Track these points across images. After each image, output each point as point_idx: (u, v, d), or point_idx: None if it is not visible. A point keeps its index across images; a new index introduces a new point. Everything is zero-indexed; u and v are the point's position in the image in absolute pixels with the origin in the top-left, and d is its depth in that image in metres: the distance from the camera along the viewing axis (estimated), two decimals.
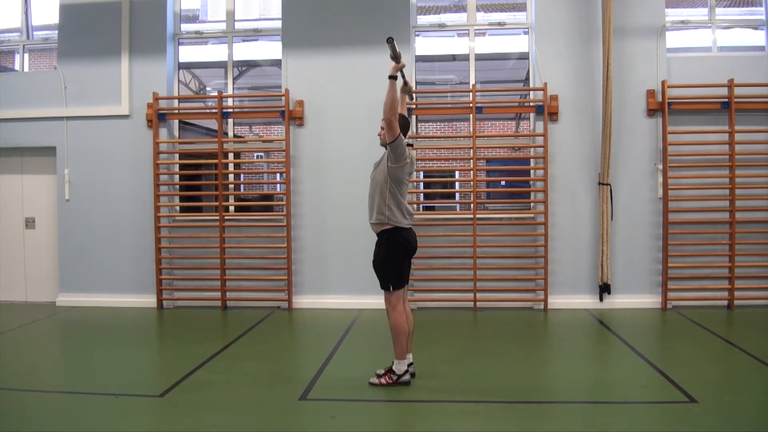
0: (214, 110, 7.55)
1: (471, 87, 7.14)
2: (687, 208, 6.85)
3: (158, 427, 3.77)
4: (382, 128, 4.19)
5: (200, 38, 7.87)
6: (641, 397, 4.09)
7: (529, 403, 4.03)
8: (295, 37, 7.30)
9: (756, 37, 7.32)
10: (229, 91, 7.73)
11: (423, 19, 7.63)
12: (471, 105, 7.05)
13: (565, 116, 7.00)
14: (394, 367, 4.31)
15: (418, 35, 7.48)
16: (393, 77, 4.08)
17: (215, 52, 8.14)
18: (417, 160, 7.48)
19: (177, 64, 7.75)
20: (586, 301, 6.97)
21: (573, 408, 3.97)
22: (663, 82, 6.80)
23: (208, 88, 9.16)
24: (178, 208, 7.65)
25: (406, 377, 4.31)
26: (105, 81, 7.48)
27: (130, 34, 7.45)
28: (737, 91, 6.70)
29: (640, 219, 6.94)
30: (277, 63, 7.61)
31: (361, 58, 7.13)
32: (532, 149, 7.32)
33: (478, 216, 6.96)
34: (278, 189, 7.72)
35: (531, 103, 7.25)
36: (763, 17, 7.20)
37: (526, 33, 7.40)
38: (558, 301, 6.95)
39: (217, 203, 7.24)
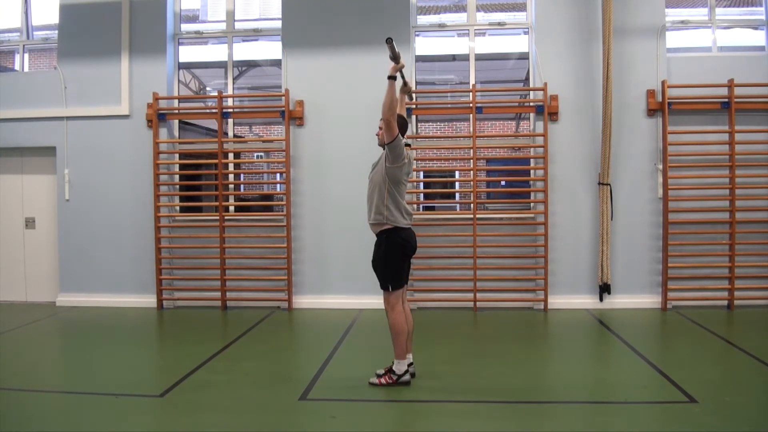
0: (214, 110, 7.55)
1: (471, 87, 7.14)
2: (687, 208, 6.84)
3: (158, 427, 3.77)
4: (380, 128, 4.21)
5: (200, 38, 7.87)
6: (641, 397, 4.09)
7: (529, 403, 4.03)
8: (295, 37, 7.30)
9: (756, 37, 7.32)
10: (229, 91, 7.74)
11: (423, 19, 7.63)
12: (471, 105, 7.05)
13: (565, 116, 7.00)
14: (394, 367, 4.32)
15: (418, 35, 7.48)
16: (392, 78, 4.08)
17: (215, 52, 8.14)
18: (417, 160, 7.52)
19: (177, 64, 7.75)
20: (586, 301, 6.97)
21: (573, 408, 3.97)
22: (663, 82, 6.80)
23: (208, 88, 9.16)
24: (178, 208, 7.65)
25: (406, 377, 4.31)
26: (105, 81, 7.48)
27: (130, 34, 7.45)
28: (737, 91, 6.70)
29: (640, 219, 6.94)
30: (277, 63, 7.61)
31: (361, 58, 7.13)
32: (532, 149, 7.32)
33: (478, 216, 6.96)
34: (278, 189, 7.72)
35: (531, 103, 7.25)
36: (763, 17, 7.20)
37: (526, 33, 7.40)
38: (558, 301, 6.95)
39: (217, 203, 7.24)
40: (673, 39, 7.15)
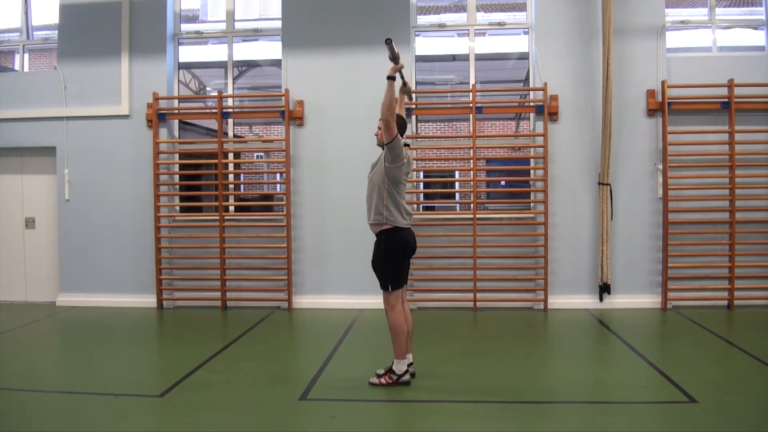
0: (214, 110, 7.55)
1: (471, 87, 7.14)
2: (687, 208, 6.84)
3: (158, 427, 3.77)
4: (379, 128, 4.21)
5: (200, 38, 7.87)
6: (641, 397, 4.09)
7: (529, 403, 4.03)
8: (295, 37, 7.30)
9: (756, 37, 7.32)
10: (229, 91, 7.74)
11: (423, 19, 7.63)
12: (471, 105, 7.05)
13: (565, 116, 7.00)
14: (394, 367, 4.32)
15: (418, 35, 7.48)
16: (391, 78, 4.09)
17: (215, 52, 8.14)
18: (417, 160, 7.52)
19: (177, 64, 7.75)
20: (586, 301, 6.97)
21: (573, 408, 3.97)
22: (663, 82, 6.80)
23: (208, 88, 9.16)
24: (178, 208, 7.65)
25: (406, 377, 4.31)
26: (105, 81, 7.48)
27: (130, 34, 7.45)
28: (737, 91, 6.70)
29: (640, 219, 6.94)
30: (277, 63, 7.61)
31: (361, 58, 7.13)
32: (532, 149, 7.32)
33: (478, 216, 6.96)
34: (278, 189, 7.72)
35: (531, 103, 7.25)
36: (763, 17, 7.20)
37: (526, 33, 7.40)
38: (558, 301, 6.94)
39: (217, 203, 7.24)
40: (673, 39, 7.15)
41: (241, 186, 8.92)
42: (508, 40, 7.97)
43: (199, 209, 8.10)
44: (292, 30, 7.31)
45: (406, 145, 4.39)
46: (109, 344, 5.75)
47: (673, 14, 7.22)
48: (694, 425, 3.57)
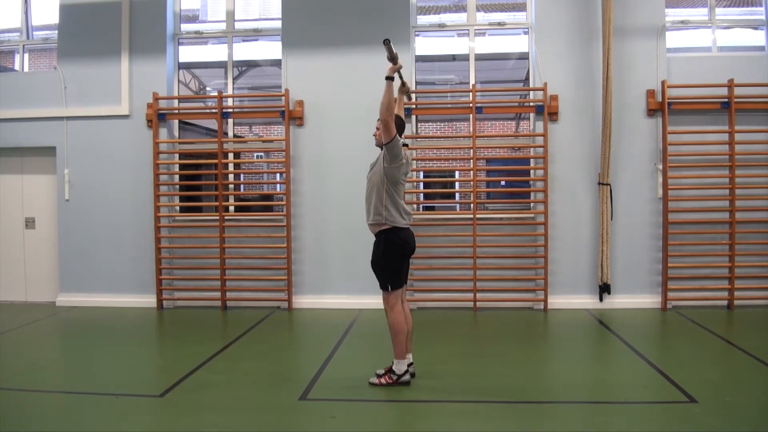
0: (214, 110, 7.55)
1: (471, 87, 7.14)
2: (687, 208, 6.84)
3: (158, 427, 3.77)
4: (378, 129, 4.21)
5: (200, 38, 7.87)
6: (641, 397, 4.10)
7: (529, 403, 4.03)
8: (295, 37, 7.30)
9: (756, 37, 7.32)
10: (229, 91, 7.74)
11: (423, 19, 7.63)
12: (471, 105, 7.05)
13: (565, 116, 7.00)
14: (394, 367, 4.32)
15: (417, 35, 7.48)
16: (390, 78, 4.09)
17: (215, 52, 8.14)
18: (417, 160, 7.53)
19: (177, 64, 7.75)
20: (586, 301, 6.97)
21: (573, 408, 3.97)
22: (663, 82, 6.80)
23: (208, 88, 9.16)
24: (178, 208, 7.65)
25: (406, 377, 4.31)
26: (105, 81, 7.48)
27: (130, 34, 7.45)
28: (737, 91, 6.70)
29: (640, 219, 6.94)
30: (277, 63, 7.61)
31: (361, 58, 7.13)
32: (532, 149, 7.31)
33: (478, 216, 6.96)
34: (278, 189, 7.72)
35: (531, 103, 7.25)
36: (763, 17, 7.20)
37: (526, 33, 7.40)
38: (558, 301, 6.94)
39: (217, 203, 7.24)
40: (673, 39, 7.15)
41: (241, 186, 8.92)
42: (508, 40, 7.97)
43: (199, 209, 8.10)
44: (292, 30, 7.31)
45: (405, 145, 4.39)
46: (109, 344, 5.75)
47: (673, 14, 7.22)
48: (694, 425, 3.57)
